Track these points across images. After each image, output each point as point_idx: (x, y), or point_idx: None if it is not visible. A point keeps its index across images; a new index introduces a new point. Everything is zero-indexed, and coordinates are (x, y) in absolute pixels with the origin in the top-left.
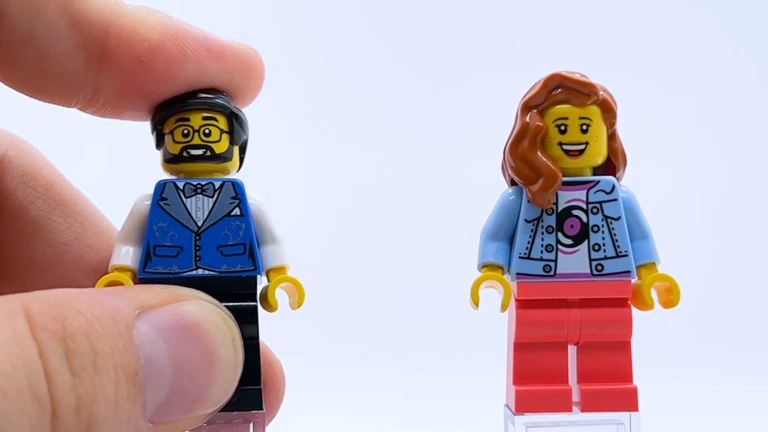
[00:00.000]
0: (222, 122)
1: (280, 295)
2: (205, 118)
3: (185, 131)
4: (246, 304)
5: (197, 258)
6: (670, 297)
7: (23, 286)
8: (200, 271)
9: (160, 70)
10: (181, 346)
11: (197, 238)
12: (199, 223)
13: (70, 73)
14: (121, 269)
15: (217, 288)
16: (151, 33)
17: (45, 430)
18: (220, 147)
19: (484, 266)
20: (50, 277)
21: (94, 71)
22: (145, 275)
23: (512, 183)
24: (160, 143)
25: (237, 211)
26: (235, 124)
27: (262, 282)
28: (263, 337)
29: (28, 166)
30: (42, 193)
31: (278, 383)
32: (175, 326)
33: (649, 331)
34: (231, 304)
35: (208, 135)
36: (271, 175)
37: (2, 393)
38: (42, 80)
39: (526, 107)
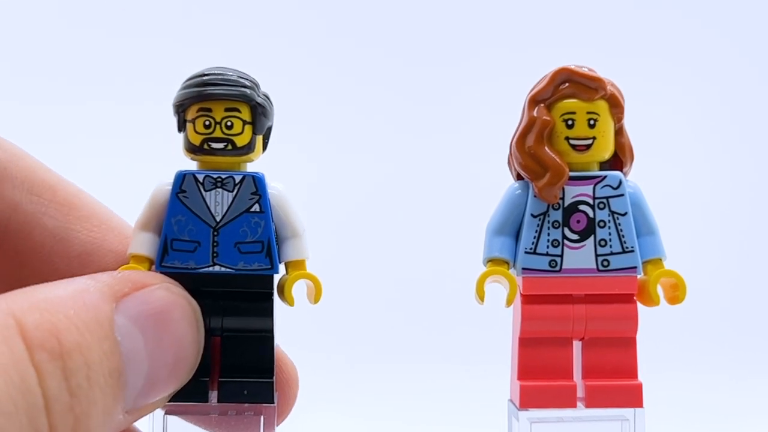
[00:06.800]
0: (245, 113)
1: (298, 288)
2: (227, 110)
3: (207, 122)
4: (261, 302)
5: (214, 254)
6: (676, 293)
7: None
8: (217, 268)
9: None
10: (154, 334)
11: (215, 233)
12: (218, 218)
13: None
14: (138, 258)
15: (233, 285)
16: None
17: None
18: (242, 140)
19: (490, 261)
20: None
21: None
22: (162, 269)
23: (518, 177)
24: (181, 128)
25: (257, 207)
26: (259, 114)
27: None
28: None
29: (29, 170)
30: (49, 199)
31: (291, 385)
32: (148, 315)
33: (654, 327)
34: (246, 301)
35: (230, 128)
36: (280, 174)
37: None
38: None
39: (534, 101)
